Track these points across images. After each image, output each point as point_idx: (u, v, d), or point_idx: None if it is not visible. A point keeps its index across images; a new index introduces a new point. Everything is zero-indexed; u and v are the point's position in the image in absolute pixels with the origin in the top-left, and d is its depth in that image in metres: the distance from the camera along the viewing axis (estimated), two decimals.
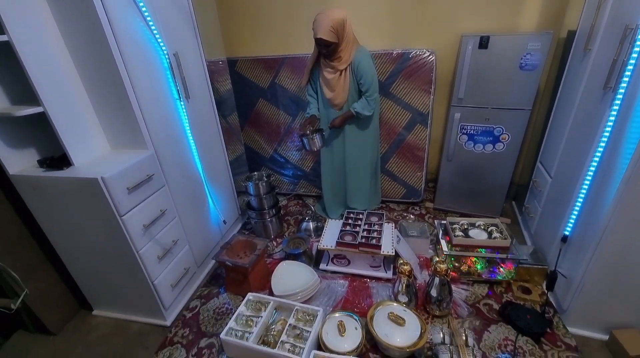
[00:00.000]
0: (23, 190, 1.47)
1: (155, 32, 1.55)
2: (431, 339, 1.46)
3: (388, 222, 2.06)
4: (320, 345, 1.44)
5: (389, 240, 1.87)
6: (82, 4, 1.26)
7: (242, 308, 1.60)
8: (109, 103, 1.49)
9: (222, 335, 1.46)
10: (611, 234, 1.32)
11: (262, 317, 1.54)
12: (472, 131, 2.20)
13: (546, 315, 1.56)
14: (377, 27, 2.37)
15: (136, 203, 1.49)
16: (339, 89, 1.99)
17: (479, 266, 1.78)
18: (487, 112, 2.12)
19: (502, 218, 2.33)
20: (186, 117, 1.80)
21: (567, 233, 1.59)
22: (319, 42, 1.82)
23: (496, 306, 1.66)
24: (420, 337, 1.40)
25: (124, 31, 1.38)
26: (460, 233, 1.84)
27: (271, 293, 1.74)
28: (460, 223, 1.93)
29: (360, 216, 2.07)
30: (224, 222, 2.23)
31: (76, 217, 1.47)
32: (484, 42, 1.95)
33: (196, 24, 1.87)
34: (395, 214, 2.55)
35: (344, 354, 1.37)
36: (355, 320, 1.53)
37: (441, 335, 1.38)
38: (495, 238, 1.77)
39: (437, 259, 1.61)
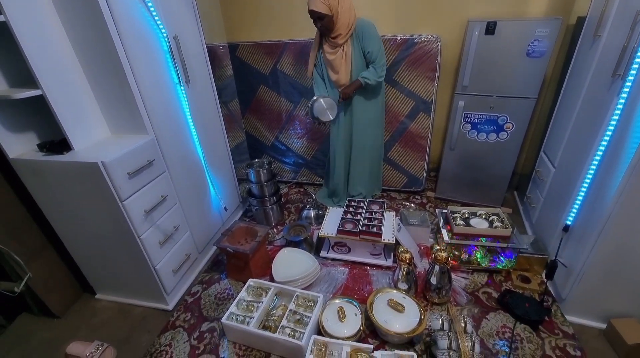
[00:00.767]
0: (23, 174, 1.47)
1: (154, 14, 1.51)
2: (430, 325, 1.48)
3: (389, 210, 2.05)
4: (320, 330, 1.46)
5: (389, 228, 1.88)
6: None
7: (243, 294, 1.62)
8: (108, 87, 1.47)
9: (223, 320, 1.48)
10: (614, 224, 1.31)
11: (262, 302, 1.56)
12: (476, 120, 2.18)
13: (545, 304, 1.57)
14: (381, 11, 2.32)
15: (137, 189, 1.48)
16: (342, 69, 1.96)
17: (479, 255, 1.79)
18: (492, 100, 2.09)
19: (503, 207, 2.32)
20: (186, 102, 1.78)
21: (569, 222, 1.58)
22: (311, 14, 1.78)
23: (495, 295, 1.68)
24: (419, 323, 1.41)
25: (122, 13, 1.35)
26: (462, 222, 1.84)
27: (272, 280, 1.76)
28: (461, 212, 1.92)
29: (362, 204, 2.07)
30: (225, 209, 2.23)
31: (77, 202, 1.48)
32: (490, 28, 1.90)
33: (196, 6, 1.83)
34: (396, 203, 2.54)
35: (343, 339, 1.39)
36: (355, 306, 1.55)
37: (440, 322, 1.40)
38: (496, 227, 1.77)
39: (438, 247, 1.61)
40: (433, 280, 1.59)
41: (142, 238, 1.52)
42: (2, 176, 1.51)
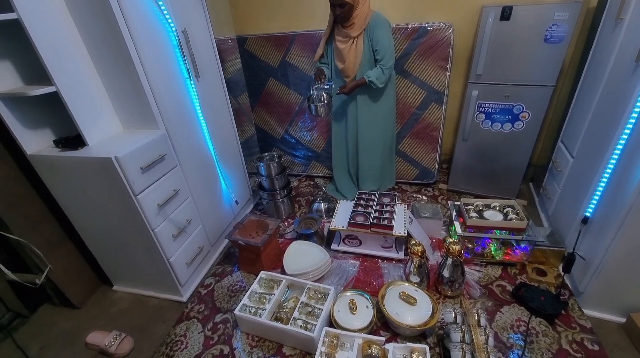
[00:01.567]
0: (41, 170, 1.51)
1: (163, 8, 1.51)
2: (443, 318, 1.46)
3: (400, 203, 2.03)
4: (331, 322, 1.47)
5: (401, 220, 1.86)
6: None
7: (255, 286, 1.63)
8: (119, 82, 1.48)
9: (236, 311, 1.50)
10: (635, 216, 1.26)
11: (274, 294, 1.57)
12: (490, 109, 2.12)
13: (561, 297, 1.54)
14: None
15: (150, 183, 1.51)
16: (350, 58, 1.92)
17: (493, 248, 1.76)
18: (507, 89, 2.02)
19: (518, 199, 2.27)
20: (196, 96, 1.79)
21: (588, 214, 1.53)
22: (333, 1, 1.74)
23: (509, 288, 1.65)
24: (432, 316, 1.40)
25: (132, 8, 1.36)
26: (475, 214, 1.80)
27: (283, 272, 1.77)
28: (474, 204, 1.89)
29: (372, 197, 2.05)
30: (236, 202, 2.25)
31: (93, 196, 1.51)
32: (506, 13, 1.83)
33: (204, 0, 1.82)
34: (408, 195, 2.51)
35: (355, 331, 1.39)
36: (367, 298, 1.55)
37: (453, 315, 1.38)
38: (511, 219, 1.73)
39: (450, 240, 1.58)
40: (445, 273, 1.57)
41: (155, 231, 1.55)
42: (21, 172, 1.56)
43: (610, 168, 1.42)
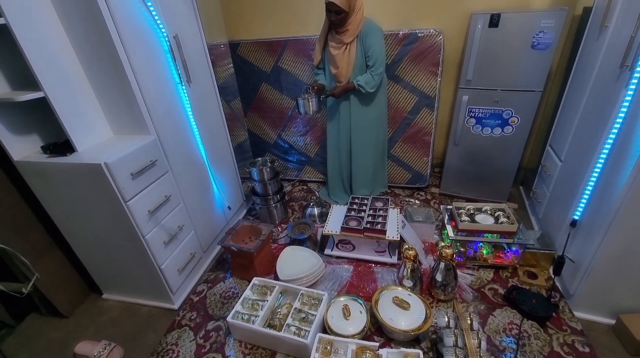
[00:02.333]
0: (28, 176, 1.48)
1: (154, 14, 1.51)
2: (436, 323, 1.47)
3: (393, 207, 2.04)
4: (325, 328, 1.46)
5: (394, 225, 1.86)
6: None
7: (248, 292, 1.62)
8: (109, 88, 1.47)
9: (229, 318, 1.48)
10: (622, 218, 1.29)
11: (267, 300, 1.56)
12: (480, 114, 2.15)
13: (552, 300, 1.55)
14: (383, 6, 2.29)
15: (140, 189, 1.49)
16: (343, 64, 1.95)
17: (485, 251, 1.77)
18: (497, 94, 2.06)
19: (509, 203, 2.29)
20: (188, 102, 1.78)
21: (576, 217, 1.56)
22: (330, 6, 1.76)
23: (501, 291, 1.66)
24: (425, 320, 1.40)
25: (122, 14, 1.35)
26: (467, 218, 1.82)
27: (276, 278, 1.76)
28: (466, 208, 1.91)
29: (365, 201, 2.06)
30: (229, 208, 2.23)
31: (82, 203, 1.48)
32: (494, 21, 1.87)
33: (196, 5, 1.82)
34: (401, 199, 2.53)
35: (348, 337, 1.39)
36: (360, 304, 1.54)
37: (446, 319, 1.39)
38: (502, 222, 1.75)
39: (443, 244, 1.59)
40: (438, 277, 1.58)
41: (146, 238, 1.53)
42: (8, 179, 1.52)
43: (597, 172, 1.45)
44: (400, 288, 1.58)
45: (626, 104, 1.29)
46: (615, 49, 1.40)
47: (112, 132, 1.61)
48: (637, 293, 1.44)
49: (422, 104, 2.32)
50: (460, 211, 1.89)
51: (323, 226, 1.97)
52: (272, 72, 2.54)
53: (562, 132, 1.89)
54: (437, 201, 2.48)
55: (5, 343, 1.67)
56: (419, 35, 2.13)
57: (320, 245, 2.07)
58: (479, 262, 1.79)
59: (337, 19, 1.80)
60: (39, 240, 1.66)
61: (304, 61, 2.42)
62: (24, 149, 1.45)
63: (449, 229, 1.83)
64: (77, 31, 1.36)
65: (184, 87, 1.74)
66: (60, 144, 1.45)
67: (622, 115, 1.31)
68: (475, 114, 2.16)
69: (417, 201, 2.49)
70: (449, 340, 1.29)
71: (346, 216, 1.93)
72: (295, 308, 1.51)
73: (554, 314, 1.51)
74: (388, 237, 1.79)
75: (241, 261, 1.83)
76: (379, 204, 2.04)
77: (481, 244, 1.78)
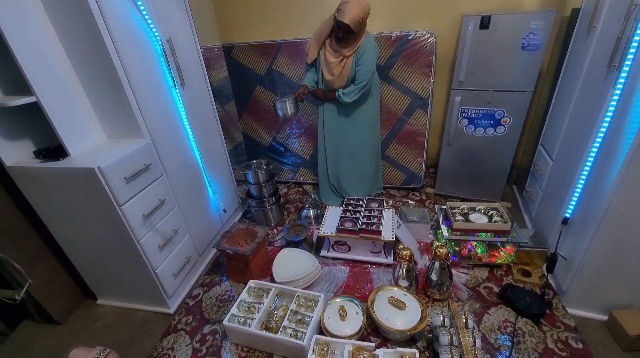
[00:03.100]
0: (21, 182, 1.47)
1: (147, 18, 1.51)
2: (431, 322, 1.48)
3: (388, 208, 2.05)
4: (321, 330, 1.46)
5: (389, 225, 1.87)
6: None
7: (244, 295, 1.62)
8: (103, 92, 1.47)
9: (225, 322, 1.48)
10: (612, 215, 1.31)
11: (264, 303, 1.56)
12: (472, 115, 2.17)
13: (546, 297, 1.57)
14: (376, 8, 2.28)
15: (135, 193, 1.48)
16: (336, 73, 1.96)
17: (479, 250, 1.79)
18: (488, 95, 2.08)
19: (502, 202, 2.32)
20: (182, 105, 1.78)
21: (568, 215, 1.58)
22: (342, 26, 1.76)
23: (496, 289, 1.67)
24: (421, 320, 1.41)
25: (115, 18, 1.35)
26: (461, 218, 1.83)
27: (272, 280, 1.76)
28: (460, 208, 1.92)
29: (360, 202, 2.07)
30: (224, 211, 2.23)
31: (75, 208, 1.47)
32: (485, 22, 1.90)
33: (189, 9, 1.82)
34: (396, 200, 2.54)
35: (345, 338, 1.39)
36: (356, 304, 1.55)
37: (441, 318, 1.40)
38: (495, 221, 1.77)
39: (437, 243, 1.61)
40: (434, 277, 1.59)
41: (141, 242, 1.52)
42: (0, 185, 1.51)
43: (586, 170, 1.48)
44: (396, 288, 1.58)
45: (614, 103, 1.32)
46: (603, 49, 1.43)
47: (106, 136, 1.60)
48: (628, 289, 1.46)
49: (416, 105, 2.34)
50: (454, 210, 1.90)
51: (319, 228, 1.98)
52: (266, 74, 2.55)
53: (553, 131, 1.92)
54: (431, 201, 2.50)
55: None
56: (412, 37, 2.16)
57: (316, 246, 2.07)
58: (474, 261, 1.81)
59: (343, 36, 1.82)
60: (32, 246, 1.64)
61: (298, 64, 2.43)
62: (16, 154, 1.44)
63: (444, 229, 1.84)
64: (69, 35, 1.35)
65: (177, 91, 1.74)
66: (53, 149, 1.44)
67: (610, 114, 1.34)
68: (468, 115, 2.18)
69: (412, 202, 2.50)
70: (445, 339, 1.30)
71: (341, 217, 1.94)
72: (291, 310, 1.51)
73: (547, 311, 1.53)
74: (383, 238, 1.79)
75: (237, 264, 1.83)
76: (374, 205, 2.05)
77: (476, 243, 1.79)
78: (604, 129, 1.37)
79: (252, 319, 1.49)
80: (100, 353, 1.51)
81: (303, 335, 1.39)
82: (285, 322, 1.46)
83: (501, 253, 1.77)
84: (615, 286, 1.47)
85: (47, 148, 1.45)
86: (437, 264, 1.58)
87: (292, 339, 1.37)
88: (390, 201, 2.52)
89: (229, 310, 1.54)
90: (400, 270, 1.64)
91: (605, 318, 1.53)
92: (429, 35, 2.13)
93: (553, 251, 1.54)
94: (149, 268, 1.59)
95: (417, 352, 1.27)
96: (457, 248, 1.81)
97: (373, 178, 2.44)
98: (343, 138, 2.21)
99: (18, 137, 1.44)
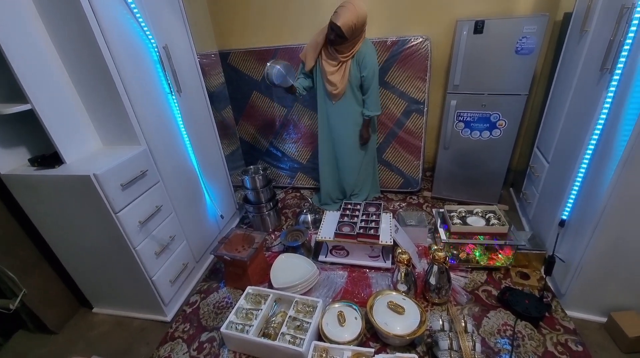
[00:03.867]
0: (15, 190, 1.45)
1: (143, 24, 1.51)
2: (431, 326, 1.47)
3: (386, 212, 2.05)
4: (320, 336, 1.45)
5: (387, 229, 1.87)
6: None
7: (241, 302, 1.60)
8: (98, 99, 1.46)
9: (222, 329, 1.46)
10: (608, 217, 1.32)
11: (262, 309, 1.54)
12: (468, 118, 2.18)
13: (544, 300, 1.57)
14: (371, 14, 2.31)
15: (131, 200, 1.47)
16: (336, 82, 1.97)
17: (477, 253, 1.78)
18: (484, 98, 2.10)
19: (500, 204, 2.33)
20: (179, 111, 1.78)
21: (564, 217, 1.59)
22: (335, 28, 1.77)
23: (495, 293, 1.67)
24: (420, 324, 1.40)
25: (110, 25, 1.35)
26: (458, 221, 1.83)
27: (270, 286, 1.74)
28: (458, 211, 1.92)
29: (358, 206, 2.07)
30: (222, 217, 2.22)
31: (71, 215, 1.46)
32: (479, 27, 1.92)
33: (185, 15, 1.83)
34: (393, 204, 2.54)
35: (344, 344, 1.38)
36: (355, 310, 1.54)
37: (440, 322, 1.39)
38: (493, 224, 1.77)
39: (435, 247, 1.60)
40: (432, 280, 1.59)
41: (137, 249, 1.51)
42: None
43: (582, 172, 1.48)
44: (394, 293, 1.58)
45: (607, 105, 1.33)
46: (595, 52, 1.44)
47: (102, 143, 1.59)
48: (626, 290, 1.46)
49: (412, 109, 2.35)
50: (452, 214, 1.90)
51: (317, 233, 1.97)
52: (263, 80, 2.55)
53: (548, 134, 1.93)
54: (429, 205, 2.50)
55: None
56: (407, 42, 2.17)
57: (314, 251, 2.06)
58: (472, 264, 1.81)
59: (336, 40, 1.83)
60: (26, 254, 1.62)
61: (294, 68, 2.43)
62: (11, 162, 1.43)
63: (442, 232, 1.84)
64: (64, 42, 1.35)
65: (174, 97, 1.74)
66: (48, 157, 1.43)
67: (603, 116, 1.35)
68: (463, 118, 2.19)
69: (409, 206, 2.50)
70: (444, 343, 1.29)
71: (339, 222, 1.94)
72: (289, 316, 1.50)
73: (546, 314, 1.52)
74: (381, 242, 1.79)
75: (235, 270, 1.81)
76: (372, 209, 2.05)
77: (473, 246, 1.79)
78: (598, 131, 1.38)
79: (250, 326, 1.47)
80: None
81: (302, 341, 1.37)
82: (284, 329, 1.44)
83: (499, 255, 1.77)
84: (613, 287, 1.47)
85: (43, 156, 1.44)
86: (435, 268, 1.57)
87: (290, 346, 1.35)
88: (388, 205, 2.51)
89: (227, 317, 1.52)
90: (399, 274, 1.63)
91: (604, 320, 1.53)
92: (423, 40, 2.15)
93: (551, 254, 1.54)
94: (146, 276, 1.57)
95: (416, 357, 1.26)
96: (455, 252, 1.81)
97: (371, 183, 2.45)
98: (339, 141, 2.21)
99: (13, 145, 1.43)
